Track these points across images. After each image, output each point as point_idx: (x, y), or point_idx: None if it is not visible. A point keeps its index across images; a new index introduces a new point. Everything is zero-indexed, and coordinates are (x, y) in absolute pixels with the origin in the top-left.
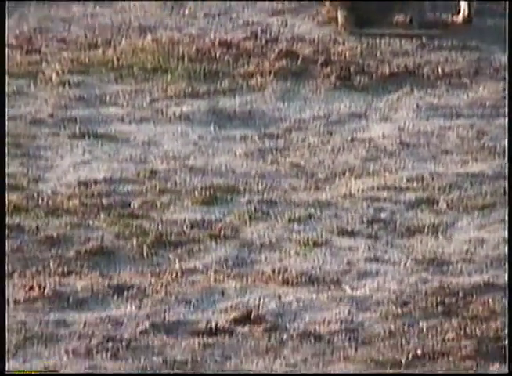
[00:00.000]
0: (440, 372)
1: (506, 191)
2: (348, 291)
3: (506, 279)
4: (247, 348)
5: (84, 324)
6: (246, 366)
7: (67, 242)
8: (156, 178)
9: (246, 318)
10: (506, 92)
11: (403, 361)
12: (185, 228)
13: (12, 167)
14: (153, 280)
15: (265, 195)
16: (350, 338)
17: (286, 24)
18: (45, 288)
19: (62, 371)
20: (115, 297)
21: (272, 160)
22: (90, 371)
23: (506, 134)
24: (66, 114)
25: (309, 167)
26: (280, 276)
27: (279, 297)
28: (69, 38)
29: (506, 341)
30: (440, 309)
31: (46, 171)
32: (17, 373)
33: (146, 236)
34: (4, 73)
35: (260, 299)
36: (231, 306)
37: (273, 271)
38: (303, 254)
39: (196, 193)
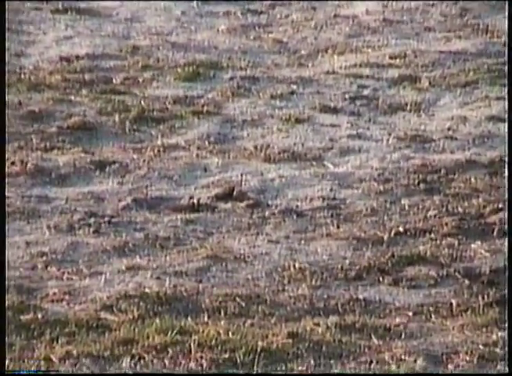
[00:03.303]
0: (440, 372)
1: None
2: (331, 167)
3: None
4: (229, 225)
5: (66, 200)
6: (229, 242)
7: (49, 117)
8: (139, 54)
9: (228, 194)
10: (507, 92)
11: (385, 238)
12: (167, 104)
13: None
14: (135, 156)
15: (248, 71)
16: (332, 215)
17: None
18: (27, 163)
19: (44, 247)
20: (97, 172)
21: (255, 37)
22: (72, 247)
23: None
24: None
25: (292, 43)
26: (262, 153)
27: (262, 173)
28: None
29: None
30: (422, 186)
31: (28, 46)
32: (17, 373)
33: (128, 112)
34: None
35: (242, 176)
36: (213, 182)
37: (255, 147)
38: (285, 130)
39: (179, 69)
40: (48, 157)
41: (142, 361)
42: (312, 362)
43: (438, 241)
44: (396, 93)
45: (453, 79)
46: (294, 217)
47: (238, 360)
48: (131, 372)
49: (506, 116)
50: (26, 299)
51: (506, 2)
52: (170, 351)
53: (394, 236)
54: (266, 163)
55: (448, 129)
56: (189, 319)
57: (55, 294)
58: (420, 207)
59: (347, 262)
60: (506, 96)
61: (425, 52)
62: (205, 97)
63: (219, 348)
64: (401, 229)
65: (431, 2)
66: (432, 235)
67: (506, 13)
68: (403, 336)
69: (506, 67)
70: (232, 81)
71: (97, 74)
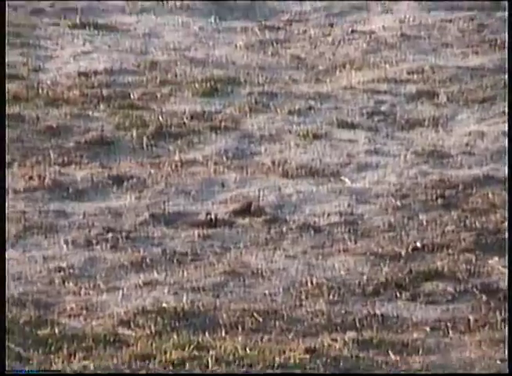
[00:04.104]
0: (440, 372)
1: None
2: (348, 183)
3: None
4: (247, 240)
5: (84, 215)
6: (246, 258)
7: (67, 132)
8: (157, 70)
9: (246, 210)
10: (507, 92)
11: (403, 253)
12: (185, 119)
13: (12, 56)
14: (152, 171)
15: (266, 87)
16: (349, 231)
17: None
18: (44, 178)
19: (61, 262)
20: (115, 187)
21: (273, 52)
22: (89, 262)
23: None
24: (66, 4)
25: (310, 59)
26: (280, 168)
27: (279, 189)
28: None
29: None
30: (440, 201)
31: (46, 61)
32: (17, 373)
33: (146, 127)
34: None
35: (260, 191)
36: (231, 198)
37: (273, 163)
38: (303, 146)
39: (197, 84)
40: (66, 172)
41: None
42: None
43: (456, 257)
44: (414, 109)
45: (471, 95)
46: (312, 232)
47: None
48: None
49: (507, 110)
50: (43, 314)
51: (506, 2)
52: (187, 366)
53: (412, 251)
54: (284, 178)
55: (466, 145)
56: (207, 334)
57: (72, 309)
58: (438, 222)
59: (365, 277)
60: (507, 98)
61: (443, 68)
62: (223, 112)
63: (236, 363)
64: (418, 244)
65: (449, 18)
66: (450, 250)
67: (506, 13)
68: (421, 351)
69: (507, 67)
70: (249, 97)
71: (115, 89)
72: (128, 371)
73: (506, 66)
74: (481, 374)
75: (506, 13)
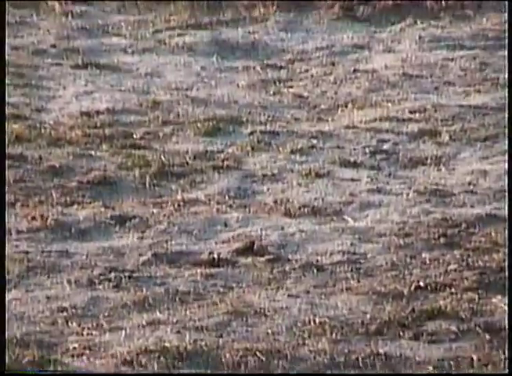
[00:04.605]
0: (440, 372)
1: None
2: (351, 222)
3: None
4: (250, 279)
5: (87, 254)
6: (249, 297)
7: (70, 172)
8: (159, 109)
9: (248, 249)
10: (506, 92)
11: (405, 292)
12: (187, 159)
13: (14, 97)
14: (155, 211)
15: (268, 126)
16: (352, 269)
17: None
18: (47, 218)
19: (64, 301)
20: (117, 227)
21: (275, 91)
22: (92, 301)
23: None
24: (68, 45)
25: (312, 98)
26: (282, 207)
27: (282, 228)
28: None
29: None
30: (442, 240)
31: (49, 101)
32: (17, 373)
33: (148, 167)
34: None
35: (262, 230)
36: (233, 237)
37: (275, 202)
38: (305, 185)
39: (199, 124)
40: (69, 212)
41: None
42: None
43: (459, 296)
44: (416, 147)
45: (473, 133)
46: (315, 271)
47: None
48: None
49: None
50: (46, 354)
51: (506, 2)
52: None
53: (415, 290)
54: (286, 217)
55: (469, 183)
56: (210, 373)
57: (75, 348)
58: (441, 261)
59: (368, 316)
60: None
61: (445, 107)
62: (225, 152)
63: None
64: (421, 283)
65: (451, 57)
66: (452, 289)
67: (506, 13)
68: None
69: (506, 67)
70: (252, 136)
71: (117, 129)
72: None
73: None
74: (481, 374)
75: (506, 13)
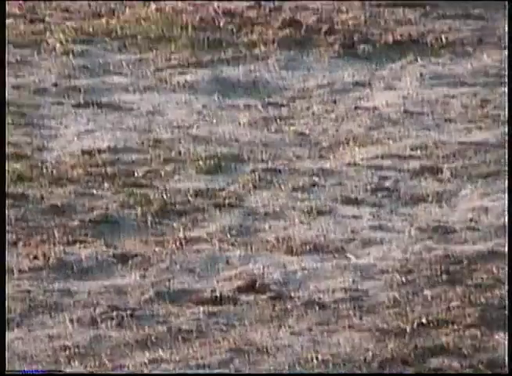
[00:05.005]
0: (440, 372)
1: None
2: (353, 259)
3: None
4: (252, 317)
5: (89, 293)
6: (251, 335)
7: (72, 211)
8: (161, 147)
9: (250, 287)
10: (507, 92)
11: (408, 329)
12: (189, 197)
13: (16, 136)
14: (157, 249)
15: (269, 164)
16: (355, 307)
17: None
18: (49, 257)
19: (66, 340)
20: (119, 266)
21: (276, 129)
22: (95, 340)
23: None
24: (69, 83)
25: (313, 135)
26: (284, 245)
27: (284, 265)
28: (72, 7)
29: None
30: (444, 277)
31: (50, 140)
32: (17, 373)
33: (150, 205)
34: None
35: (264, 268)
36: (235, 275)
37: (277, 239)
38: (307, 222)
39: (201, 161)
40: (71, 251)
41: None
42: None
43: (461, 332)
44: (417, 184)
45: (474, 170)
46: (317, 309)
47: None
48: None
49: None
50: None
51: (506, 3)
52: None
53: (417, 327)
54: (288, 255)
55: (470, 220)
56: None
57: None
58: (443, 298)
59: (370, 353)
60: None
61: (446, 144)
62: (227, 190)
63: None
64: (423, 320)
65: (452, 94)
66: (455, 326)
67: (506, 13)
68: None
69: (506, 67)
70: (253, 174)
71: (119, 168)
72: None
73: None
74: (481, 374)
75: (506, 13)
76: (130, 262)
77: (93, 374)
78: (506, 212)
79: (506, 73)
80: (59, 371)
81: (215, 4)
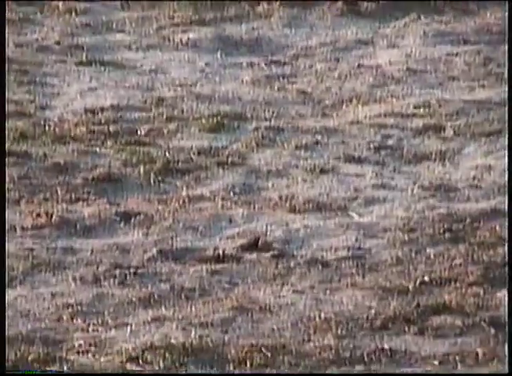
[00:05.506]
0: (440, 372)
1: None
2: (355, 217)
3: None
4: (255, 275)
5: (92, 251)
6: (254, 293)
7: (74, 169)
8: (163, 106)
9: (253, 245)
10: (507, 91)
11: (410, 287)
12: (192, 155)
13: (18, 94)
14: (160, 207)
15: (272, 122)
16: (357, 265)
17: None
18: (52, 215)
19: (69, 298)
20: (122, 224)
21: (279, 87)
22: (98, 298)
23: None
24: (72, 41)
25: (316, 94)
26: (287, 203)
27: (287, 224)
28: None
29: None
30: (447, 235)
31: (53, 98)
32: (17, 373)
33: (153, 164)
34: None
35: (267, 226)
36: (238, 233)
37: (280, 198)
38: (310, 181)
39: (204, 120)
40: (74, 209)
41: None
42: None
43: (464, 290)
44: (420, 143)
45: (477, 128)
46: (319, 267)
47: None
48: None
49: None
50: (51, 351)
51: (506, 2)
52: None
53: (420, 285)
54: (291, 213)
55: (473, 178)
56: (215, 369)
57: (80, 345)
58: (446, 256)
59: (373, 311)
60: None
61: (449, 102)
62: (230, 148)
63: None
64: (426, 278)
65: (455, 52)
66: (457, 284)
67: (506, 13)
68: None
69: (506, 68)
70: (256, 132)
71: (122, 126)
72: None
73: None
74: (481, 374)
75: (507, 13)
76: (133, 220)
77: (93, 374)
78: (506, 172)
79: (506, 73)
80: (59, 371)
81: None
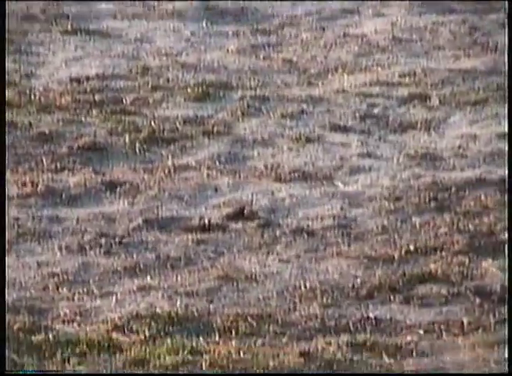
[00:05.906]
0: (440, 372)
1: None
2: (341, 186)
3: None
4: (240, 244)
5: (77, 220)
6: (239, 262)
7: (60, 138)
8: (149, 75)
9: (239, 214)
10: (506, 92)
11: (396, 256)
12: (177, 124)
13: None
14: (145, 177)
15: (258, 91)
16: (343, 234)
17: None
18: (37, 184)
19: (55, 267)
20: (108, 193)
21: (265, 56)
22: (83, 267)
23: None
24: (58, 10)
25: (302, 62)
26: (273, 172)
27: (272, 193)
28: None
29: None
30: (432, 204)
31: (38, 67)
32: (17, 373)
33: (138, 133)
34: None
35: (253, 195)
36: (224, 202)
37: (266, 167)
38: (295, 150)
39: (189, 89)
40: (59, 178)
41: None
42: None
43: (449, 259)
44: (406, 111)
45: (463, 97)
46: (305, 236)
47: None
48: None
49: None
50: (37, 320)
51: (506, 2)
52: (181, 371)
53: (405, 254)
54: (277, 182)
55: (459, 147)
56: (201, 339)
57: (66, 314)
58: (431, 225)
59: (358, 280)
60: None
61: (434, 71)
62: (215, 117)
63: (230, 367)
64: (411, 247)
65: (440, 21)
66: (443, 253)
67: (507, 13)
68: (414, 354)
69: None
70: (242, 101)
71: (107, 95)
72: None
73: (506, 67)
74: (481, 374)
75: (507, 13)
76: (118, 189)
77: (93, 373)
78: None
79: (507, 73)
80: (59, 371)
81: None
